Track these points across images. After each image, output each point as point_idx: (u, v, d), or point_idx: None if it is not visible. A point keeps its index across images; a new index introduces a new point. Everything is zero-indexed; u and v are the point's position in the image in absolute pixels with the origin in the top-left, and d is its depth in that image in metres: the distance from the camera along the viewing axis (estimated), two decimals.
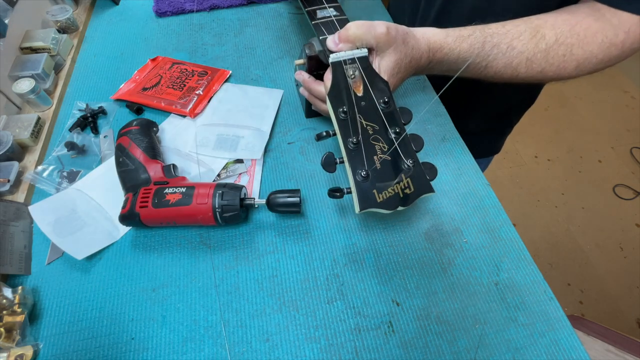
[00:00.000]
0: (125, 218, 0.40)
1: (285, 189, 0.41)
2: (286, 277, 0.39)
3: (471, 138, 0.52)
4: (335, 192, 0.36)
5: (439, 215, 0.44)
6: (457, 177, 0.47)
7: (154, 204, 0.39)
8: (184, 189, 0.39)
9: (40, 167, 0.46)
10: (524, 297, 0.39)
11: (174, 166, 0.43)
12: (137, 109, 0.53)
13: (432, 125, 0.52)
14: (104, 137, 0.50)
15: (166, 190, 0.39)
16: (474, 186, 0.46)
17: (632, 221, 1.45)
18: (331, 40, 0.40)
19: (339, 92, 0.37)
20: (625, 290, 1.29)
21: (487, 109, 0.65)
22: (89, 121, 0.51)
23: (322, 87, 0.42)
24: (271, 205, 0.40)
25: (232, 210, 0.39)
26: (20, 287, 0.36)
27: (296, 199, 0.40)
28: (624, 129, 1.73)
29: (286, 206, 0.40)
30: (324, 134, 0.37)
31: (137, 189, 0.40)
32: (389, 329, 0.37)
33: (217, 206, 0.39)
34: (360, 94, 0.38)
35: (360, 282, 0.39)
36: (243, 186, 0.41)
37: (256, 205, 0.41)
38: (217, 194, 0.39)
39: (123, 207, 0.40)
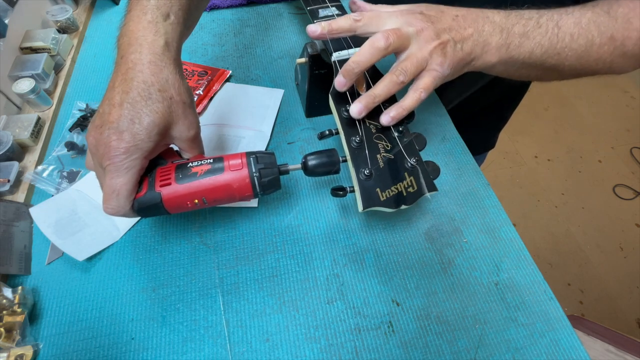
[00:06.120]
0: (143, 204, 0.33)
1: (318, 150, 0.37)
2: (286, 277, 0.39)
3: (464, 134, 0.51)
4: (339, 191, 0.35)
5: (439, 215, 0.44)
6: (457, 177, 0.47)
7: (178, 179, 0.34)
8: (210, 160, 0.35)
9: (40, 167, 0.46)
10: (524, 297, 0.39)
11: None
12: None
13: (432, 125, 0.52)
14: None
15: (190, 164, 0.35)
16: (474, 186, 0.46)
17: (632, 221, 1.45)
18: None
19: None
20: (625, 290, 1.29)
21: (477, 102, 0.63)
22: (89, 121, 0.51)
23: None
24: (308, 168, 0.36)
25: (271, 174, 0.35)
26: (20, 287, 0.36)
27: (335, 158, 0.36)
28: (624, 129, 1.73)
29: (325, 166, 0.36)
30: (327, 132, 0.37)
31: (149, 172, 0.35)
32: (389, 329, 0.37)
33: (254, 171, 0.34)
34: (363, 92, 0.38)
35: (360, 282, 0.39)
36: (273, 152, 0.37)
37: (289, 172, 0.37)
38: (252, 159, 0.35)
39: (138, 191, 0.34)
